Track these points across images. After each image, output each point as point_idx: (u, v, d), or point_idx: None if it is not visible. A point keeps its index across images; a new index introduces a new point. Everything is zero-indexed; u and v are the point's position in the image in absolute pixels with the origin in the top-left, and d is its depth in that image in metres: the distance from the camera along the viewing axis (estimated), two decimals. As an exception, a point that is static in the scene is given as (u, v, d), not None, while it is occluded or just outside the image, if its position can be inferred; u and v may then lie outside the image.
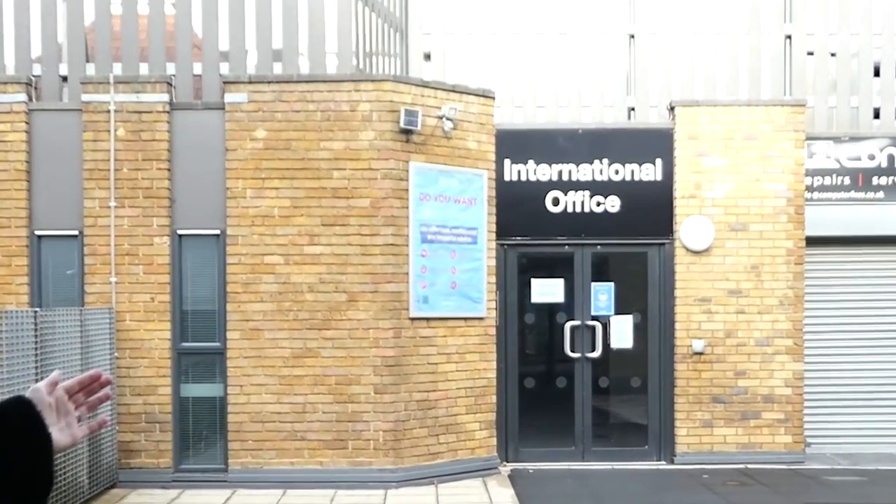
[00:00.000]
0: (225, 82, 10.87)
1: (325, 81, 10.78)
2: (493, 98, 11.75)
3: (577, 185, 12.04)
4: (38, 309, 9.15)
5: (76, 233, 10.79)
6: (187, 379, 10.95)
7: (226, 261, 10.76)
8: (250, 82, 10.79)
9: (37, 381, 8.44)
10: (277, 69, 11.42)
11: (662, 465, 12.02)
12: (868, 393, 12.87)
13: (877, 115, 13.46)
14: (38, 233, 10.79)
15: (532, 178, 12.00)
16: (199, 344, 10.92)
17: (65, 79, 11.46)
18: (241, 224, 10.71)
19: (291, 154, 10.69)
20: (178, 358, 10.88)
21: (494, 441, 11.71)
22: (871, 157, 12.69)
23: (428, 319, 11.05)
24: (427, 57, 13.49)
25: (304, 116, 10.70)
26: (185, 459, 10.95)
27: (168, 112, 10.80)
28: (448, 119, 11.02)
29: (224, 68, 11.42)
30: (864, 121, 13.38)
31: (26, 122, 10.77)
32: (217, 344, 10.87)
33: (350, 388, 10.72)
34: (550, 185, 12.03)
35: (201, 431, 11.01)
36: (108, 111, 10.72)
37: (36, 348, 8.54)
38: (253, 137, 10.72)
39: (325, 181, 10.69)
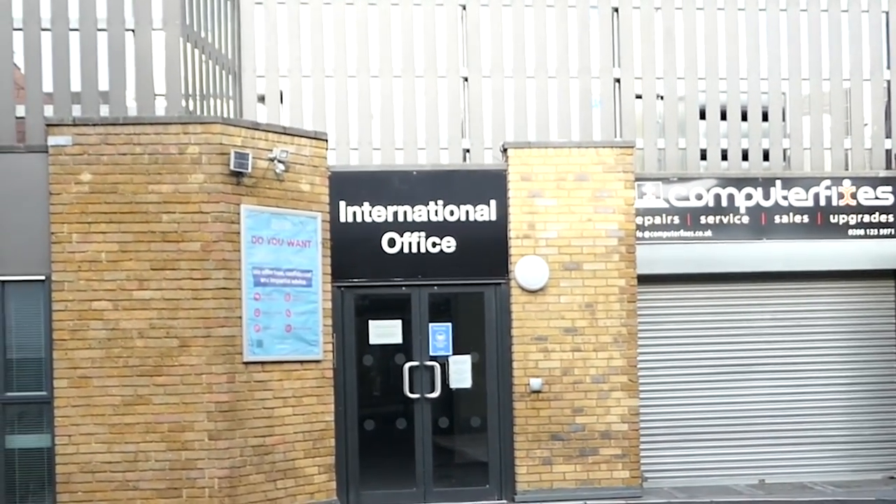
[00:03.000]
0: (48, 125, 10.58)
1: (152, 124, 10.59)
2: (326, 140, 11.72)
3: (413, 227, 12.06)
4: None
5: None
6: (12, 430, 10.55)
7: (51, 307, 10.43)
8: (75, 125, 10.53)
9: None
10: (105, 111, 11.20)
11: (503, 505, 12.05)
12: (702, 426, 13.16)
13: (703, 157, 13.89)
14: None
15: (368, 219, 11.98)
16: (25, 393, 10.56)
17: None
18: (68, 269, 10.41)
19: (119, 198, 10.46)
20: (2, 408, 10.49)
21: (334, 485, 11.56)
22: (699, 197, 13.05)
23: (263, 363, 10.89)
24: (261, 99, 13.41)
25: (132, 159, 10.49)
26: (12, 514, 10.54)
27: (-12, 155, 10.48)
28: (280, 161, 10.94)
29: (49, 110, 11.15)
30: (691, 162, 13.80)
31: None
32: (43, 393, 10.51)
33: (183, 434, 10.46)
34: (386, 227, 12.03)
35: (28, 484, 10.61)
36: (-75, 155, 10.35)
37: None
38: (78, 181, 10.45)
39: (155, 225, 10.48)
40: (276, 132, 11.15)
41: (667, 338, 13.11)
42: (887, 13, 14.32)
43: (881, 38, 14.32)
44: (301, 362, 11.22)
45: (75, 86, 11.35)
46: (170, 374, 10.47)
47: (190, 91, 11.95)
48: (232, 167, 10.52)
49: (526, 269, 12.06)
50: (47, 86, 11.32)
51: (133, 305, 10.45)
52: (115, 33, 11.60)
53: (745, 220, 13.13)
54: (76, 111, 11.24)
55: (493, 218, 12.18)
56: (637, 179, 12.62)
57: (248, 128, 10.91)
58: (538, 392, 12.06)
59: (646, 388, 12.70)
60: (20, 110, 11.22)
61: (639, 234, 12.61)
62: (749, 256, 13.07)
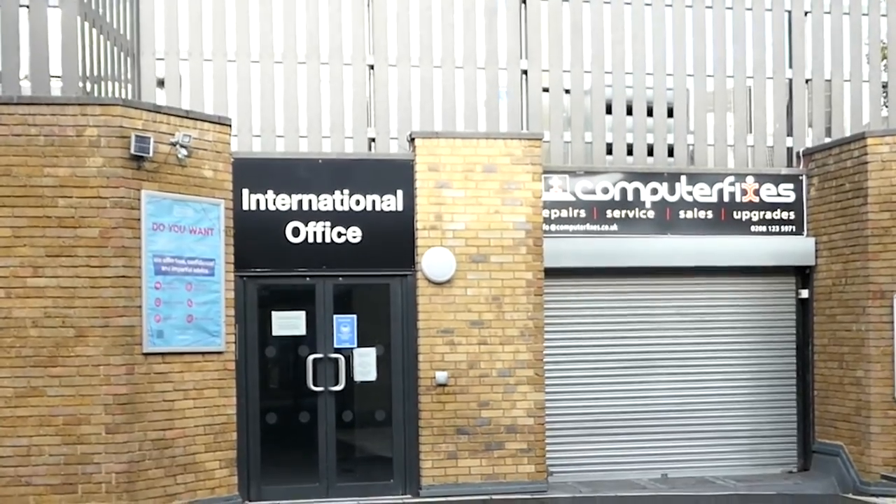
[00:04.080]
0: (-63, 103, 10.10)
1: (48, 104, 10.14)
2: (230, 126, 11.39)
3: (318, 216, 11.81)
4: None
5: None
6: None
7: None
8: (-34, 103, 10.07)
9: None
10: (-2, 90, 10.76)
11: (408, 499, 11.84)
12: (607, 421, 13.17)
13: (609, 151, 13.90)
14: None
15: (272, 207, 11.68)
16: None
17: None
18: (-34, 252, 9.93)
19: (12, 181, 9.99)
20: None
21: (236, 479, 11.23)
22: (605, 191, 13.04)
23: (163, 354, 10.52)
24: (161, 83, 13.03)
25: (26, 141, 10.03)
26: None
27: None
28: (182, 146, 10.57)
29: (-63, 90, 10.66)
30: (597, 155, 13.80)
31: None
32: (-75, 384, 10.00)
33: (80, 428, 10.03)
34: (290, 216, 11.75)
35: (-90, 482, 10.08)
36: None
37: None
38: (-29, 163, 9.99)
39: (50, 209, 10.04)
40: (178, 116, 10.79)
41: (573, 332, 13.08)
42: (790, 12, 14.50)
43: (784, 37, 14.48)
44: (202, 353, 10.88)
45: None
46: (65, 364, 10.04)
47: (87, 73, 11.52)
48: (132, 151, 10.14)
49: (433, 260, 11.89)
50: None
51: (27, 293, 9.99)
52: (9, 9, 11.12)
53: (651, 214, 13.17)
54: (-33, 90, 10.75)
55: (400, 208, 11.99)
56: (544, 172, 12.52)
57: (150, 111, 10.54)
58: (444, 385, 11.91)
59: (552, 383, 12.61)
60: None
61: (545, 227, 12.50)
62: (654, 251, 13.10)
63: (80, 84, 11.19)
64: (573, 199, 12.99)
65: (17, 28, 10.97)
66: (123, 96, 12.54)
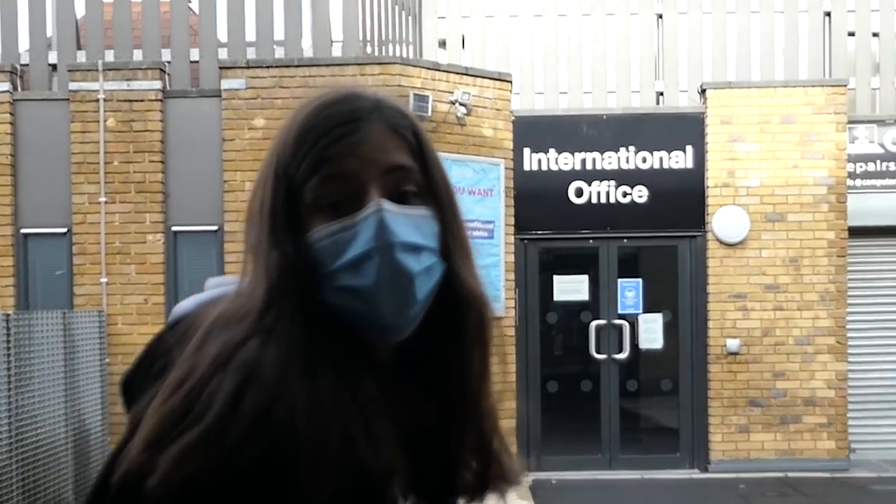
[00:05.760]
0: (221, 67, 10.19)
1: (327, 65, 10.08)
2: (511, 82, 11.02)
3: (602, 175, 11.29)
4: (10, 312, 8.47)
5: (64, 230, 10.14)
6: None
7: (224, 259, 10.08)
8: (248, 67, 10.12)
9: (9, 390, 7.80)
10: (280, 55, 10.75)
11: (696, 474, 11.24)
12: (917, 394, 12.04)
13: (923, 98, 12.64)
14: (24, 231, 10.14)
15: (553, 167, 11.25)
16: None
17: (54, 67, 10.84)
18: (240, 220, 9.91)
19: (295, 145, 9.98)
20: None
21: (514, 449, 10.95)
22: (919, 142, 11.87)
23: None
24: (442, 44, 12.82)
25: (307, 103, 9.98)
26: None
27: (161, 100, 10.14)
28: (461, 104, 10.28)
29: (223, 54, 10.75)
30: (908, 103, 12.57)
31: (11, 114, 10.12)
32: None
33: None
34: (573, 175, 11.28)
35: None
36: (98, 100, 10.06)
37: (8, 355, 7.87)
38: (251, 126, 10.04)
39: (329, 172, 9.97)
40: (457, 73, 10.51)
41: (879, 296, 11.96)
42: None
43: None
44: (482, 319, 10.61)
45: (250, 32, 10.88)
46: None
47: (367, 36, 11.38)
48: (411, 110, 9.90)
49: (724, 220, 11.19)
50: (222, 31, 10.91)
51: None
52: (289, -28, 11.12)
53: (970, 166, 11.88)
54: (250, 54, 10.78)
55: (690, 165, 11.32)
56: (849, 122, 11.53)
57: (428, 68, 10.31)
58: (735, 354, 11.23)
59: (855, 352, 11.64)
60: (194, 54, 10.83)
61: (850, 182, 11.51)
62: (973, 207, 11.81)
63: (362, 47, 11.05)
64: (881, 151, 11.88)
65: (297, -9, 10.95)
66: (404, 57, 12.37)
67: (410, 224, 1.37)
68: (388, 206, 1.35)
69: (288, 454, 1.29)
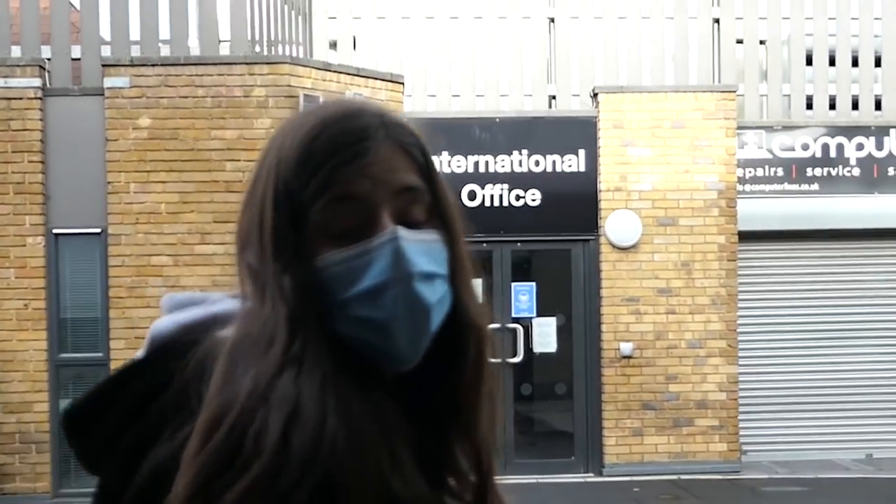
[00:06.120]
0: (104, 65, 9.92)
1: (215, 64, 9.92)
2: (403, 84, 10.95)
3: (495, 178, 11.28)
4: None
5: (-62, 233, 9.77)
6: (67, 393, 9.92)
7: (108, 262, 9.78)
8: (132, 65, 9.89)
9: None
10: (166, 53, 10.49)
11: (590, 478, 11.25)
12: (806, 396, 12.20)
13: (809, 105, 12.85)
14: None
15: (447, 169, 11.16)
16: (80, 354, 10.00)
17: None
18: (125, 222, 9.77)
19: (179, 144, 9.78)
20: (55, 370, 9.89)
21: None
22: (805, 147, 12.08)
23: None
24: (333, 45, 12.64)
25: (193, 102, 9.79)
26: (66, 482, 9.90)
27: (41, 98, 9.86)
28: (353, 105, 10.13)
29: (106, 52, 10.45)
30: (796, 109, 12.77)
31: None
32: (100, 354, 9.93)
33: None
34: (466, 178, 11.23)
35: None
36: (-27, 98, 9.71)
37: None
38: (136, 126, 9.80)
39: (217, 173, 9.79)
40: (348, 74, 10.44)
41: (769, 300, 12.14)
42: None
43: None
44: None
45: (134, 31, 10.61)
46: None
47: (256, 36, 11.18)
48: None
49: (617, 224, 11.26)
50: (105, 28, 10.62)
51: (195, 261, 9.82)
52: (177, -29, 10.88)
53: (856, 172, 12.11)
54: (135, 52, 10.50)
55: (582, 169, 11.38)
56: (738, 128, 11.70)
57: (319, 69, 10.21)
58: (629, 358, 11.31)
59: (745, 355, 11.78)
60: (76, 51, 10.52)
61: (739, 187, 11.67)
62: (859, 212, 12.03)
63: (250, 46, 10.85)
64: (770, 156, 12.06)
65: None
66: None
67: (424, 251, 1.30)
68: (404, 234, 1.27)
69: (331, 493, 1.22)
